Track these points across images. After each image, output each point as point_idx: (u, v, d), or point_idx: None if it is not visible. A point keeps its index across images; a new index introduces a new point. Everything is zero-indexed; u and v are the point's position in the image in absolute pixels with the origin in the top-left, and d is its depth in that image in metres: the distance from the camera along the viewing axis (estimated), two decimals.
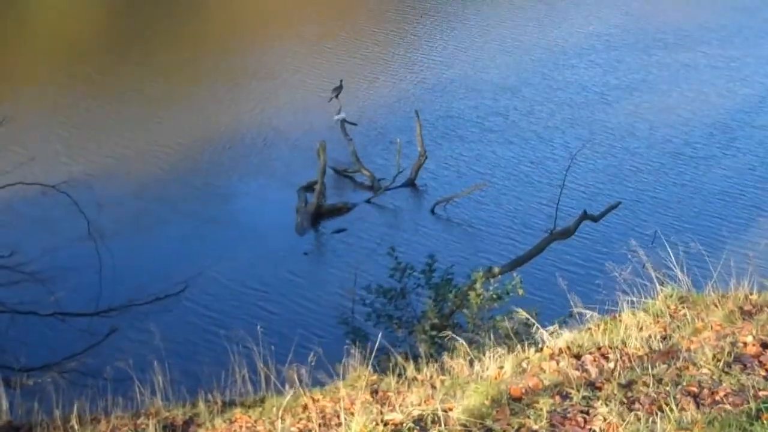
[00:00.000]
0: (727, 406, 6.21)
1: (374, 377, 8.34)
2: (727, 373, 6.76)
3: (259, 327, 9.73)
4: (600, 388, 6.73)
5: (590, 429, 6.14)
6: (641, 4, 38.75)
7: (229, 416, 7.96)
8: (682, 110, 27.37)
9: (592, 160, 23.76)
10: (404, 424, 6.32)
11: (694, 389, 6.53)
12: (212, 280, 17.73)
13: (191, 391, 8.56)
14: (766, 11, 37.13)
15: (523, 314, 10.38)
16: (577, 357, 7.64)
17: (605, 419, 6.20)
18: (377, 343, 8.79)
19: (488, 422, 6.32)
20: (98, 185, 20.95)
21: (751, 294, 8.69)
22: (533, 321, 9.15)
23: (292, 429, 7.32)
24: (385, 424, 6.30)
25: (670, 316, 8.37)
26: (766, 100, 28.15)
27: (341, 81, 25.47)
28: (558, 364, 7.52)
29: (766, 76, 30.20)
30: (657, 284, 8.90)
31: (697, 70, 30.92)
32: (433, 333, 12.74)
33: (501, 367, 7.91)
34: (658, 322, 8.24)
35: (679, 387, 6.59)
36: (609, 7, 38.29)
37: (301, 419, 7.51)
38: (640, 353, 7.48)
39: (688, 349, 7.36)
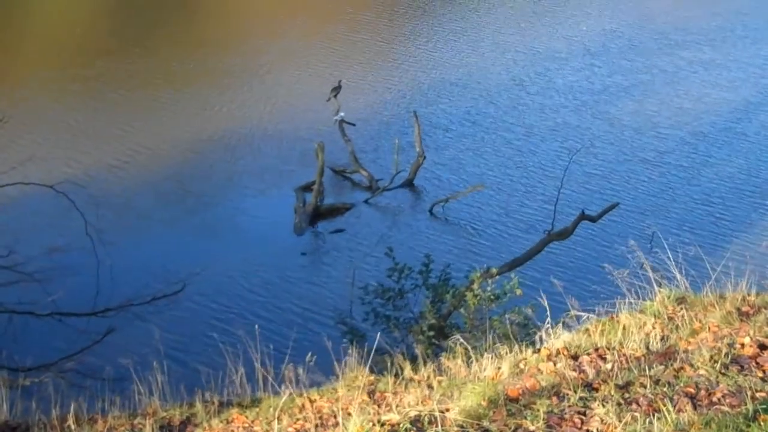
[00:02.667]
0: (724, 408, 6.21)
1: (371, 378, 8.35)
2: (724, 374, 6.76)
3: (257, 327, 9.74)
4: (597, 389, 6.73)
5: (587, 430, 6.14)
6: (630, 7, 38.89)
7: (226, 416, 7.97)
8: (683, 113, 27.40)
9: (591, 161, 23.77)
10: (401, 425, 6.31)
11: (692, 390, 6.53)
12: (210, 280, 17.70)
13: (188, 391, 8.57)
14: (748, 16, 37.25)
15: (526, 311, 10.41)
16: (575, 358, 7.64)
17: (602, 420, 6.19)
18: (375, 344, 8.80)
19: (485, 423, 6.32)
20: (96, 185, 20.93)
21: (749, 295, 8.70)
22: (533, 319, 9.16)
23: (289, 429, 7.33)
24: (382, 425, 6.29)
25: (668, 317, 8.37)
26: (760, 104, 28.20)
27: (340, 81, 25.46)
28: (555, 365, 7.53)
29: (759, 78, 30.32)
30: (655, 285, 8.90)
31: (695, 71, 30.98)
32: (431, 333, 12.73)
33: (498, 368, 7.92)
34: (655, 323, 8.24)
35: (677, 388, 6.59)
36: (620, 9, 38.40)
37: (298, 420, 7.51)
38: (637, 354, 7.49)
39: (686, 351, 7.36)
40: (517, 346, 8.46)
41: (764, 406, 6.07)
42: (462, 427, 6.28)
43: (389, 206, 21.90)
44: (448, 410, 6.61)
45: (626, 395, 6.56)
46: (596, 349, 7.76)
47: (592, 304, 8.90)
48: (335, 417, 7.18)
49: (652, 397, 6.45)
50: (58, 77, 29.64)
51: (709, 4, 38.96)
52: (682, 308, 8.47)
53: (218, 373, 8.69)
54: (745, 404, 6.18)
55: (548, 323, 8.84)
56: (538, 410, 6.41)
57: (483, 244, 19.88)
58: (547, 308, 9.10)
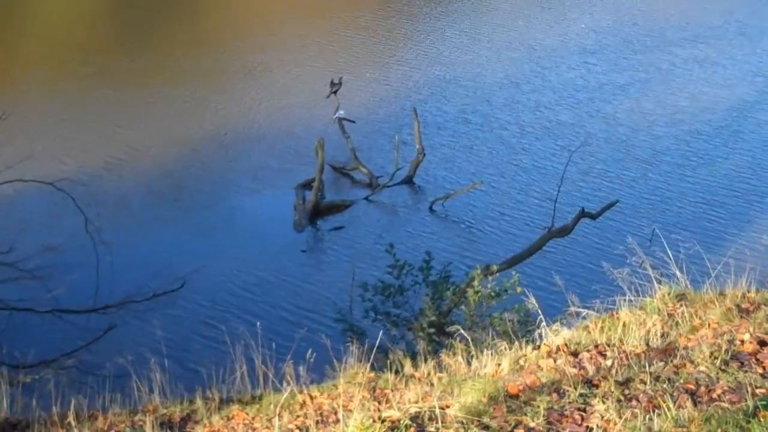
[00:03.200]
0: (724, 404, 6.21)
1: (372, 374, 8.36)
2: (724, 370, 6.77)
3: (258, 324, 9.74)
4: (597, 386, 6.73)
5: (587, 426, 6.14)
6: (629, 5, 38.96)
7: (227, 413, 7.97)
8: (681, 110, 27.42)
9: (591, 158, 23.77)
10: (401, 422, 6.32)
11: (692, 387, 6.54)
12: (210, 277, 17.71)
13: (189, 388, 8.57)
14: (743, 14, 37.28)
15: (525, 309, 10.39)
16: (575, 354, 7.65)
17: (602, 417, 6.20)
18: (376, 341, 8.81)
19: (485, 419, 6.32)
20: (96, 182, 20.95)
21: (749, 292, 8.70)
22: (532, 315, 9.17)
23: (290, 426, 7.33)
24: (383, 421, 6.30)
25: (668, 313, 8.37)
26: (756, 101, 28.24)
27: (340, 78, 25.45)
28: (555, 361, 7.54)
29: (755, 76, 30.37)
30: (655, 282, 8.91)
31: (691, 69, 31.01)
32: (431, 330, 12.74)
33: (498, 365, 7.93)
34: (655, 320, 8.24)
35: (677, 384, 6.59)
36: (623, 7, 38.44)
37: (298, 416, 7.52)
38: (637, 351, 7.49)
39: (686, 347, 7.37)
40: (517, 343, 8.46)
41: (764, 403, 6.08)
42: (462, 423, 6.29)
43: (389, 203, 21.90)
44: (448, 407, 6.62)
45: (626, 392, 6.57)
46: (596, 346, 7.77)
47: (592, 301, 8.91)
48: (336, 414, 7.19)
49: (652, 393, 6.45)
50: (57, 76, 29.62)
51: (704, 2, 38.97)
52: (682, 305, 8.47)
53: (219, 370, 8.69)
54: (745, 400, 6.19)
55: (541, 321, 8.86)
56: (539, 407, 6.42)
57: (483, 241, 19.87)
58: (539, 309, 9.12)
